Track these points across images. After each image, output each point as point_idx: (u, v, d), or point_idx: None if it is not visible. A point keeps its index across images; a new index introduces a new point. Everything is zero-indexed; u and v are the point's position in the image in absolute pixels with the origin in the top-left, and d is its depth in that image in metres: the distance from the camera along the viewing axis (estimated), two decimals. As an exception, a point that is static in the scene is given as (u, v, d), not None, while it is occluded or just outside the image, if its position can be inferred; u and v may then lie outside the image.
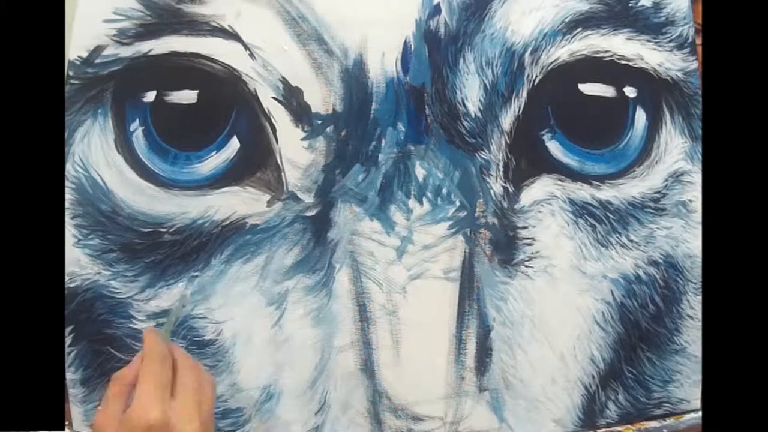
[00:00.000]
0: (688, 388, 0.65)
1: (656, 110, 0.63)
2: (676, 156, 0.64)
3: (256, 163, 0.60)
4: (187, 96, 0.59)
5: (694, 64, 0.63)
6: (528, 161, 0.62)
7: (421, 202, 0.60)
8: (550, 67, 0.61)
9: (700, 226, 0.63)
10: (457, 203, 0.61)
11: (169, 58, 0.58)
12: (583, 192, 0.62)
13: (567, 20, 0.61)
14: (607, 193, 0.62)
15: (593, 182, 0.62)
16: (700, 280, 0.64)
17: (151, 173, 0.59)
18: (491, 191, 0.61)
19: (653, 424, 0.65)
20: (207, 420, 0.47)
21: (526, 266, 0.62)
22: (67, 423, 0.60)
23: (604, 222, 0.62)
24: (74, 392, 0.60)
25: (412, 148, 0.60)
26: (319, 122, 0.59)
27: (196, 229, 0.59)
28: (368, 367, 0.60)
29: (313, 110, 0.59)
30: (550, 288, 0.62)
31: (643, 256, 0.63)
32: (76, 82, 0.58)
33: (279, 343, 0.60)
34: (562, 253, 0.62)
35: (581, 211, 0.62)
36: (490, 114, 0.61)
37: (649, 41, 0.63)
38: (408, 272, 0.60)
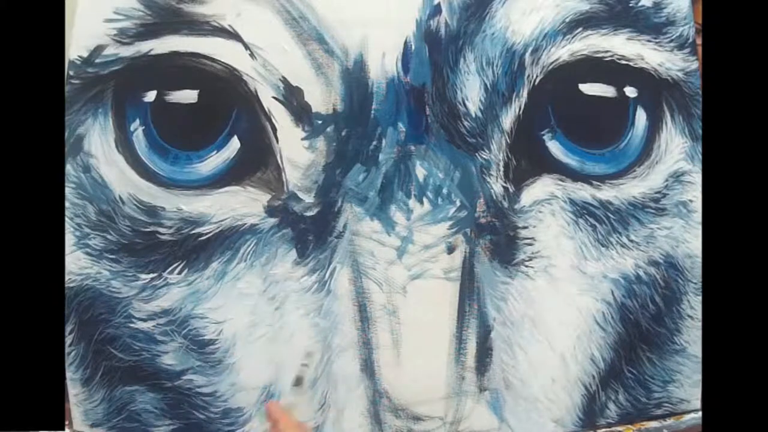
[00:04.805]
0: (688, 388, 0.65)
1: (656, 110, 0.63)
2: (676, 156, 0.64)
3: (257, 162, 0.60)
4: (187, 96, 0.59)
5: (695, 64, 0.63)
6: (528, 161, 0.62)
7: (421, 202, 0.60)
8: (551, 67, 0.61)
9: (700, 226, 0.63)
10: (458, 203, 0.61)
11: (170, 58, 0.58)
12: (583, 192, 0.62)
13: (567, 20, 0.61)
14: (607, 193, 0.62)
15: (593, 182, 0.62)
16: (700, 280, 0.64)
17: (152, 173, 0.59)
18: (491, 191, 0.61)
19: (653, 424, 0.65)
20: None
21: (527, 266, 0.62)
22: (67, 423, 0.60)
23: (605, 222, 0.62)
24: (74, 392, 0.60)
25: (413, 148, 0.60)
26: (320, 122, 0.59)
27: (196, 229, 0.59)
28: (368, 367, 0.60)
29: (314, 110, 0.59)
30: (551, 288, 0.62)
31: (644, 256, 0.63)
32: (77, 81, 0.58)
33: (279, 344, 0.60)
34: (563, 253, 0.62)
35: (581, 211, 0.62)
36: (491, 114, 0.61)
37: (649, 41, 0.63)
38: (408, 272, 0.60)
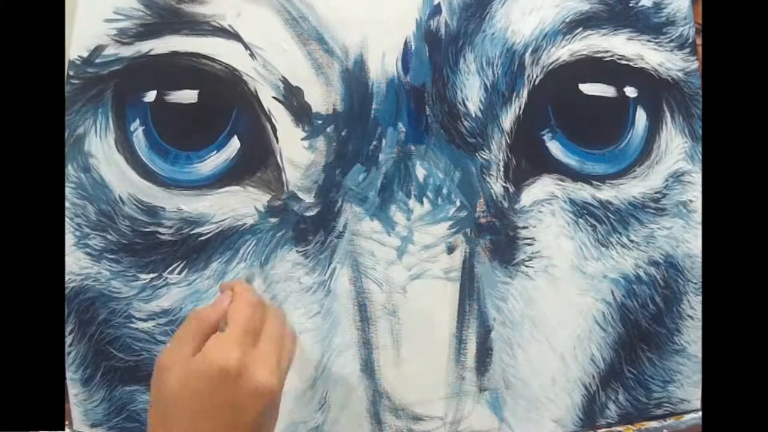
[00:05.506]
0: (688, 388, 0.65)
1: (657, 110, 0.63)
2: (676, 156, 0.64)
3: (257, 162, 0.60)
4: (187, 96, 0.59)
5: (695, 64, 0.63)
6: (528, 161, 0.62)
7: (421, 202, 0.60)
8: (551, 67, 0.61)
9: (700, 226, 0.63)
10: (458, 203, 0.61)
11: (170, 58, 0.58)
12: (583, 192, 0.62)
13: (567, 20, 0.61)
14: (607, 193, 0.62)
15: (593, 182, 0.62)
16: (700, 280, 0.64)
17: (152, 173, 0.59)
18: (491, 191, 0.61)
19: (653, 424, 0.65)
20: (282, 374, 0.46)
21: (527, 266, 0.62)
22: (67, 423, 0.60)
23: (605, 222, 0.62)
24: (74, 392, 0.60)
25: (413, 148, 0.60)
26: (320, 122, 0.59)
27: (196, 229, 0.59)
28: (368, 367, 0.60)
29: (314, 110, 0.59)
30: (551, 288, 0.62)
31: (644, 256, 0.63)
32: (77, 81, 0.58)
33: (279, 343, 0.60)
34: (563, 253, 0.62)
35: (582, 211, 0.62)
36: (491, 114, 0.61)
37: (649, 41, 0.63)
38: (408, 272, 0.60)
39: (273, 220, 0.60)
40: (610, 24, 0.62)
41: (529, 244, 0.62)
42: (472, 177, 0.61)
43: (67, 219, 0.59)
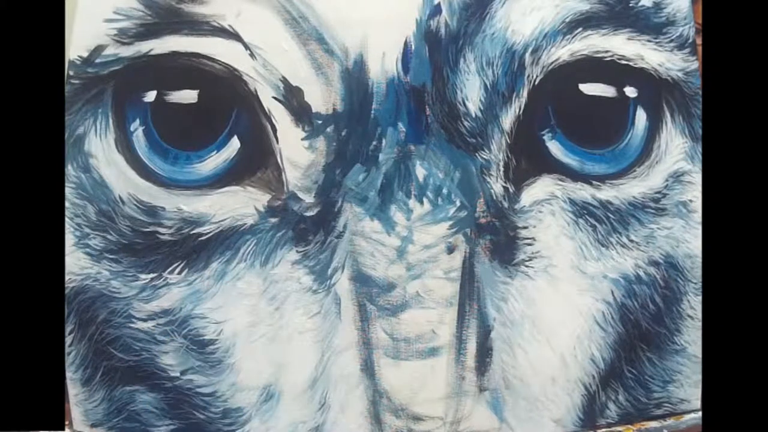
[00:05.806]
0: (688, 388, 0.65)
1: (657, 110, 0.63)
2: (676, 156, 0.64)
3: (257, 162, 0.60)
4: (187, 96, 0.59)
5: (695, 64, 0.63)
6: (528, 161, 0.62)
7: (421, 202, 0.60)
8: (551, 67, 0.61)
9: (700, 226, 0.63)
10: (458, 203, 0.61)
11: (170, 58, 0.58)
12: (583, 192, 0.62)
13: (567, 20, 0.61)
14: (607, 193, 0.62)
15: (593, 182, 0.62)
16: (700, 280, 0.64)
17: (152, 173, 0.59)
18: (491, 191, 0.61)
19: (653, 424, 0.65)
20: None
21: (527, 266, 0.62)
22: (67, 423, 0.60)
23: (605, 222, 0.62)
24: (74, 392, 0.60)
25: (413, 148, 0.60)
26: (320, 122, 0.59)
27: (196, 229, 0.59)
28: (368, 367, 0.60)
29: (314, 110, 0.59)
30: (551, 288, 0.62)
31: (644, 256, 0.63)
32: (77, 81, 0.58)
33: (279, 343, 0.60)
34: (563, 253, 0.62)
35: (582, 211, 0.62)
36: (491, 114, 0.61)
37: (649, 41, 0.63)
38: (408, 272, 0.60)
39: (273, 220, 0.60)
40: (610, 24, 0.62)
41: (529, 244, 0.62)
42: (472, 177, 0.61)
43: (67, 219, 0.59)
